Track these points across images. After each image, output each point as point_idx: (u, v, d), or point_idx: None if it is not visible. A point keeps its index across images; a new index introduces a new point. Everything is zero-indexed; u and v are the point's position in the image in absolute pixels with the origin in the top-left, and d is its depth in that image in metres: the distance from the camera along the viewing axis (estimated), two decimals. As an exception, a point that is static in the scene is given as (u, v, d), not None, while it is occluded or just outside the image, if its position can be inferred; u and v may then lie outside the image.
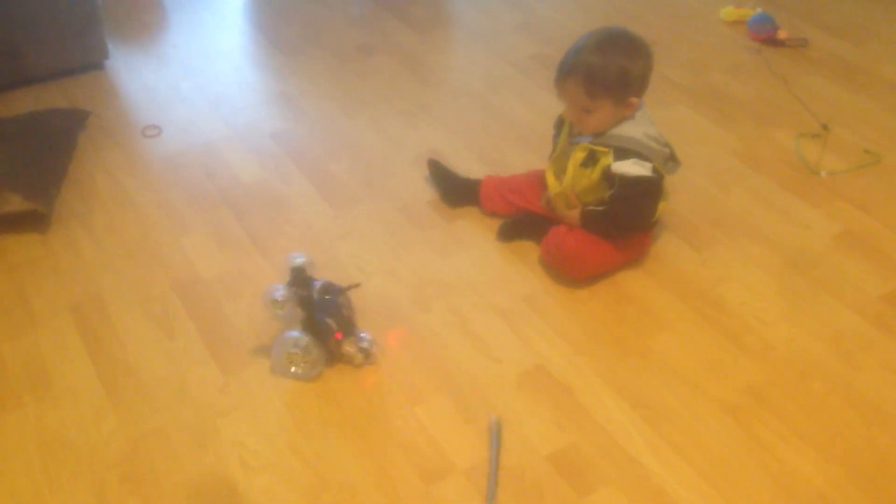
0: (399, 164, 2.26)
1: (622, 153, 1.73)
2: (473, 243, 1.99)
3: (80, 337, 1.73)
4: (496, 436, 1.49)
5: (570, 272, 1.85)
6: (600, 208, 1.79)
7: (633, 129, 1.75)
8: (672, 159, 1.83)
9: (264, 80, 2.71)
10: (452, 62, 2.87)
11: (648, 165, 1.73)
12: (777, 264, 1.92)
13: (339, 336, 1.59)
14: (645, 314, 1.80)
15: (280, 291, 1.57)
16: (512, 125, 2.42)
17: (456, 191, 2.09)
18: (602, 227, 1.81)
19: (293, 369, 1.62)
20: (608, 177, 1.75)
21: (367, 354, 1.63)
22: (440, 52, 2.90)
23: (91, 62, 2.66)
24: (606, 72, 1.67)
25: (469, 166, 2.22)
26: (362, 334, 1.64)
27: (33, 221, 1.99)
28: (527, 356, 1.69)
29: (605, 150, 1.74)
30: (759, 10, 2.90)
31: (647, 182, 1.74)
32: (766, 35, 2.83)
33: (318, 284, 1.60)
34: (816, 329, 1.75)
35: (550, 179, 1.88)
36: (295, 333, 1.59)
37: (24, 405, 1.58)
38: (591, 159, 1.77)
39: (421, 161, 2.22)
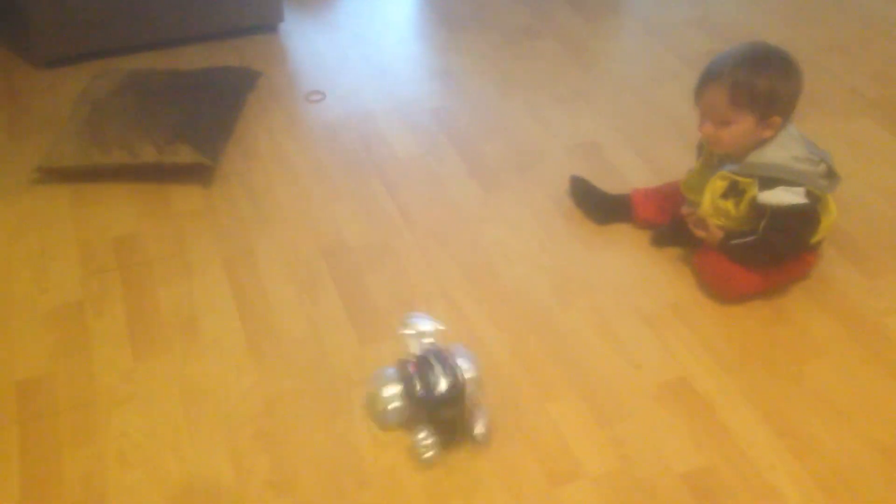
0: (553, 151, 2.21)
1: (767, 182, 1.62)
2: (622, 241, 1.92)
3: (231, 291, 1.78)
4: None
5: (724, 294, 1.75)
6: (748, 239, 1.67)
7: (776, 154, 1.64)
8: (830, 175, 1.69)
9: (429, 54, 2.72)
10: (618, 51, 2.78)
11: (800, 190, 1.62)
12: (957, 301, 1.76)
13: None
14: (802, 337, 1.68)
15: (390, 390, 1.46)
16: (674, 122, 2.32)
17: (603, 206, 1.97)
18: (752, 259, 1.70)
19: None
20: (756, 208, 1.64)
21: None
22: (606, 41, 2.82)
23: (266, 24, 2.74)
24: (755, 84, 1.59)
25: (625, 161, 2.15)
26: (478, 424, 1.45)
27: (199, 174, 2.07)
28: (669, 366, 1.62)
29: (749, 180, 1.64)
30: (963, 20, 2.66)
31: (801, 209, 1.63)
32: (969, 48, 2.59)
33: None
34: None
35: (691, 197, 1.79)
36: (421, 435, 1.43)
37: (173, 350, 1.65)
38: (733, 190, 1.67)
39: (576, 150, 2.17)
